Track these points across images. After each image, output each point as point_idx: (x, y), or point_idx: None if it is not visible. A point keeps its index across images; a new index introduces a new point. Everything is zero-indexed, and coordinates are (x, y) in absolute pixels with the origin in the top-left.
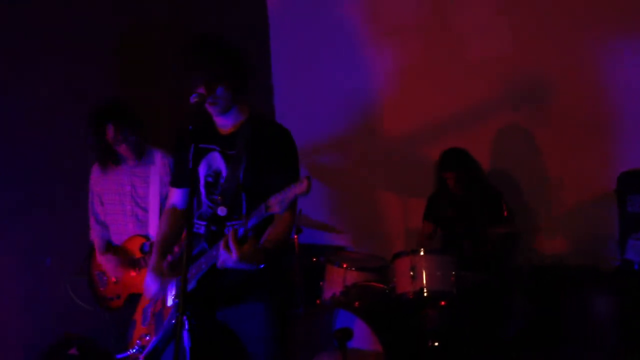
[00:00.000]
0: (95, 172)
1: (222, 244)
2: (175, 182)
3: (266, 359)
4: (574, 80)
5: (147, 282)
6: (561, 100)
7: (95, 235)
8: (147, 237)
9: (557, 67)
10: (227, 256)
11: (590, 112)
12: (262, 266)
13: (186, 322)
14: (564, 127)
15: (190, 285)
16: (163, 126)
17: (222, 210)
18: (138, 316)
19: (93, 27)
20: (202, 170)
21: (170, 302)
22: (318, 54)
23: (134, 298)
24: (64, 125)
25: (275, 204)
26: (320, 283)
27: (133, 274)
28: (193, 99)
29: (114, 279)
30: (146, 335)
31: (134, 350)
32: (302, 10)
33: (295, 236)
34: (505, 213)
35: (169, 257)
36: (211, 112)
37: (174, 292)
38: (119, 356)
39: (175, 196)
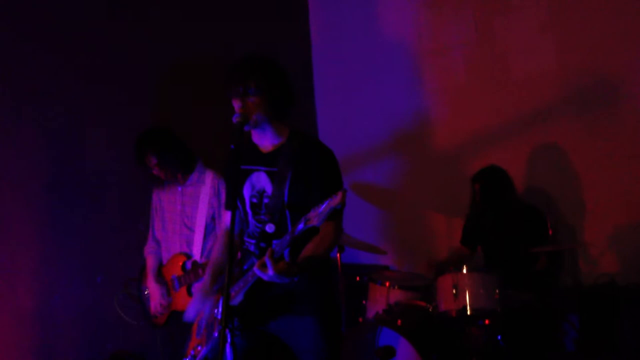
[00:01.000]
0: (156, 191)
1: (258, 262)
2: (227, 205)
3: None
4: (622, 97)
5: (194, 304)
6: (609, 114)
7: (149, 252)
8: (189, 255)
9: (601, 81)
10: (263, 274)
11: (633, 127)
12: (296, 279)
13: (228, 335)
14: (613, 140)
15: (238, 298)
16: (218, 147)
17: (270, 227)
18: (194, 327)
19: (146, 54)
20: (246, 191)
21: (218, 315)
22: (362, 73)
23: (177, 315)
24: (115, 144)
25: (314, 217)
26: (363, 302)
27: (174, 292)
28: (235, 119)
29: (159, 309)
30: (198, 346)
31: None
32: (346, 30)
33: (338, 255)
34: (550, 231)
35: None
36: (247, 130)
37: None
38: None
39: (228, 218)
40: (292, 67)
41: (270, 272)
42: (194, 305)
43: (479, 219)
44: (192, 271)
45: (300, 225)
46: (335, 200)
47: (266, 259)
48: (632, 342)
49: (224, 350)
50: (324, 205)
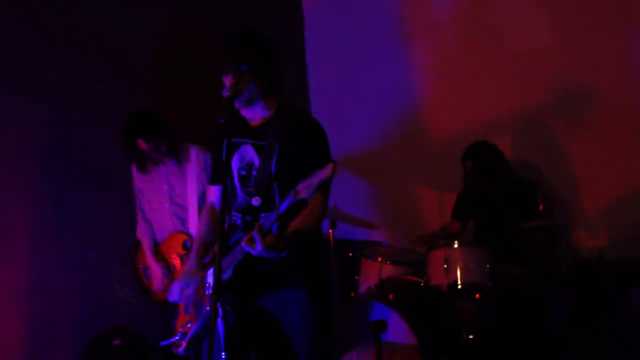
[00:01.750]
0: (136, 174)
1: (246, 237)
2: (212, 180)
3: (305, 344)
4: (616, 73)
5: (177, 284)
6: (603, 92)
7: (143, 234)
8: (188, 234)
9: (597, 59)
10: (251, 249)
11: (633, 105)
12: (284, 254)
13: (220, 309)
14: (606, 119)
15: (227, 274)
16: (201, 122)
17: (256, 201)
18: (182, 305)
19: (131, 27)
20: (234, 164)
21: (208, 290)
22: (355, 50)
23: None
24: (106, 124)
25: (303, 189)
26: (356, 277)
27: (177, 268)
28: (225, 93)
29: (161, 287)
30: (188, 323)
31: (177, 338)
32: (338, 6)
33: (330, 231)
34: (541, 207)
35: (208, 258)
36: (237, 107)
37: (210, 281)
38: (163, 343)
39: (214, 194)
40: (285, 44)
41: (259, 247)
42: (178, 285)
43: (471, 193)
44: None
45: (289, 198)
46: (325, 172)
47: (254, 233)
48: (621, 315)
49: (216, 325)
50: (313, 178)
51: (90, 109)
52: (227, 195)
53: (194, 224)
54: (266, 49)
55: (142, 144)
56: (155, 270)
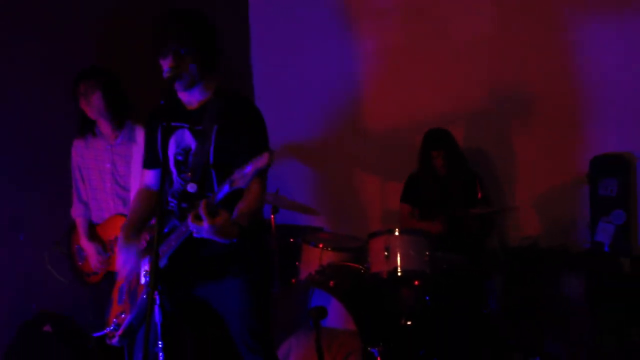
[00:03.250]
0: (76, 147)
1: (191, 215)
2: (147, 164)
3: (246, 333)
4: (551, 64)
5: (120, 260)
6: (542, 85)
7: (77, 214)
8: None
9: (535, 51)
10: (198, 227)
11: (565, 97)
12: (235, 240)
13: (157, 298)
14: (539, 110)
15: (162, 263)
16: (147, 103)
17: (191, 187)
18: (115, 295)
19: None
20: (171, 148)
21: (143, 279)
22: (299, 35)
23: (112, 275)
24: (44, 97)
25: (239, 178)
26: (297, 263)
27: (113, 253)
28: (166, 74)
29: (97, 265)
30: (122, 314)
31: (111, 329)
32: None
33: (272, 216)
34: (480, 195)
35: (147, 236)
36: (176, 88)
37: (146, 269)
38: (96, 334)
39: (148, 177)
40: (228, 27)
41: (205, 224)
42: (122, 255)
43: (423, 180)
44: None
45: (225, 188)
46: (261, 161)
47: (200, 210)
48: (552, 301)
49: (152, 313)
50: (249, 167)
51: (29, 88)
52: (165, 180)
53: None
54: (207, 30)
55: (94, 93)
56: (88, 249)
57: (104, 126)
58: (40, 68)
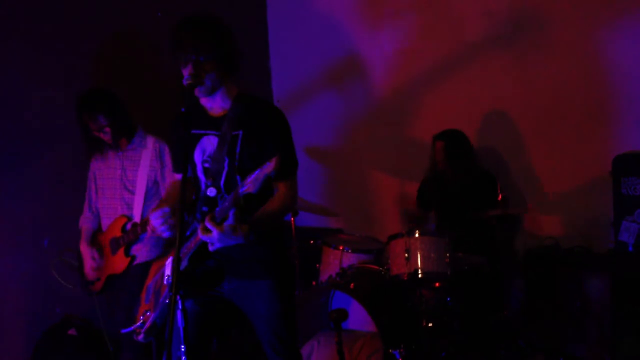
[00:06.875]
0: (94, 161)
1: (200, 228)
2: (176, 168)
3: (273, 336)
4: (573, 63)
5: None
6: (558, 83)
7: (84, 222)
8: (129, 217)
9: (555, 50)
10: (210, 237)
11: (588, 95)
12: (251, 238)
13: (179, 302)
14: (561, 110)
15: (183, 264)
16: (158, 112)
17: (211, 191)
18: (143, 293)
19: (86, 14)
20: (197, 156)
21: (166, 280)
22: (315, 37)
23: (113, 280)
24: (62, 109)
25: (249, 183)
26: (317, 265)
27: (110, 256)
28: (186, 81)
29: (89, 271)
30: (147, 311)
31: (138, 325)
32: None
33: (292, 219)
34: (500, 197)
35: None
36: (197, 95)
37: (169, 272)
38: (124, 330)
39: (179, 178)
40: (247, 31)
41: (215, 233)
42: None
43: (436, 181)
44: (132, 231)
45: (240, 191)
46: (269, 167)
47: (207, 222)
48: (574, 302)
49: (175, 317)
50: (258, 172)
51: (45, 97)
52: (187, 186)
53: (139, 209)
54: (225, 36)
55: (100, 121)
56: (84, 253)
57: (107, 138)
58: (59, 81)
